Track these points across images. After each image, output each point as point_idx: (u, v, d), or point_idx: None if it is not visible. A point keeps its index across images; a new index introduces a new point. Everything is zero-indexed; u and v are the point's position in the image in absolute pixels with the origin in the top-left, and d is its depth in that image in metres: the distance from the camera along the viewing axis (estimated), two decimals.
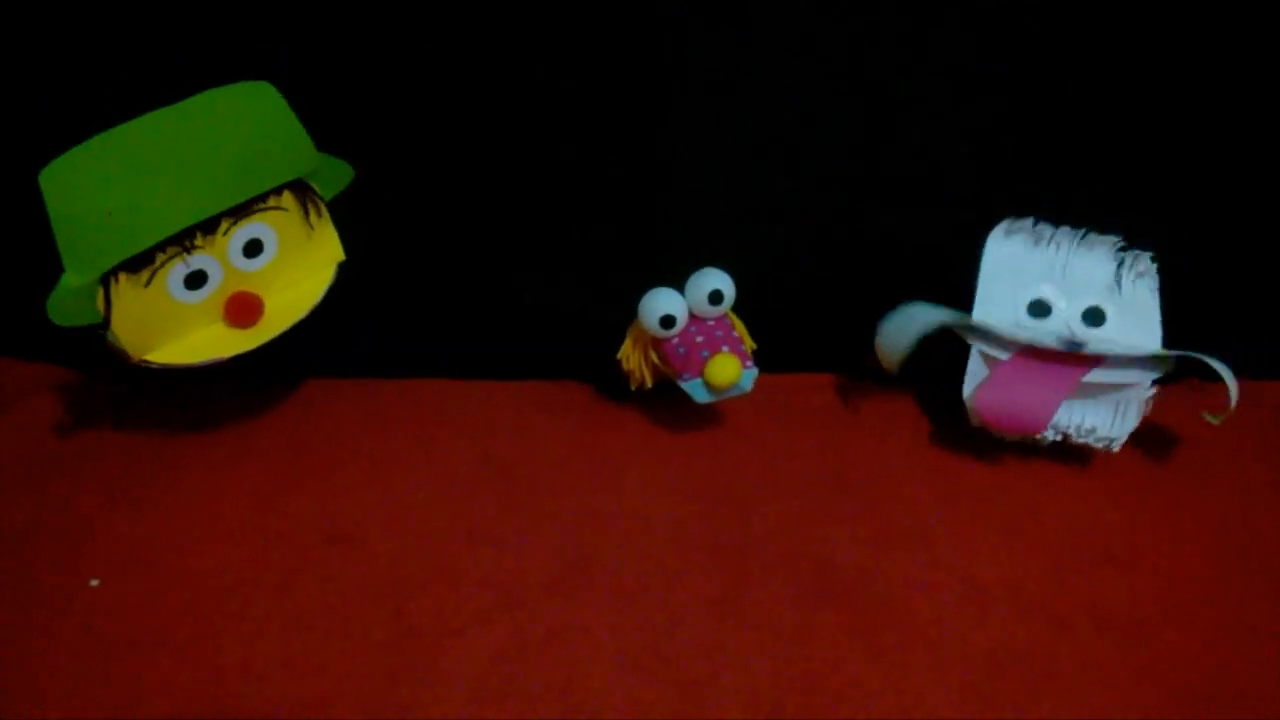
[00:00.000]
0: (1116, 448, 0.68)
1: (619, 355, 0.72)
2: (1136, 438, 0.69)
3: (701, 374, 0.67)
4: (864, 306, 0.73)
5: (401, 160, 0.72)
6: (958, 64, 0.70)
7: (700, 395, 0.68)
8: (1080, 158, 0.73)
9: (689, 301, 0.68)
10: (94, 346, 0.65)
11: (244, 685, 0.53)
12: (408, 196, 0.73)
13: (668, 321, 0.67)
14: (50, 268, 0.61)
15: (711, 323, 0.69)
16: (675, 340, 0.68)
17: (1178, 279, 0.71)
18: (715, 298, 0.68)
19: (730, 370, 0.66)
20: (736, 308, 0.71)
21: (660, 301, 0.67)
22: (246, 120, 0.64)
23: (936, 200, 0.74)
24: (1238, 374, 0.66)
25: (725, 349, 0.67)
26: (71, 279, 0.61)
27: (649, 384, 0.72)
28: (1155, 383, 0.68)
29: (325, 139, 0.68)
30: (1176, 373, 0.68)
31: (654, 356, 0.70)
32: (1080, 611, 0.58)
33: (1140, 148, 0.72)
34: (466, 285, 0.76)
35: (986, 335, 0.70)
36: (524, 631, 0.56)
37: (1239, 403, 0.65)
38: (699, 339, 0.68)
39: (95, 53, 0.69)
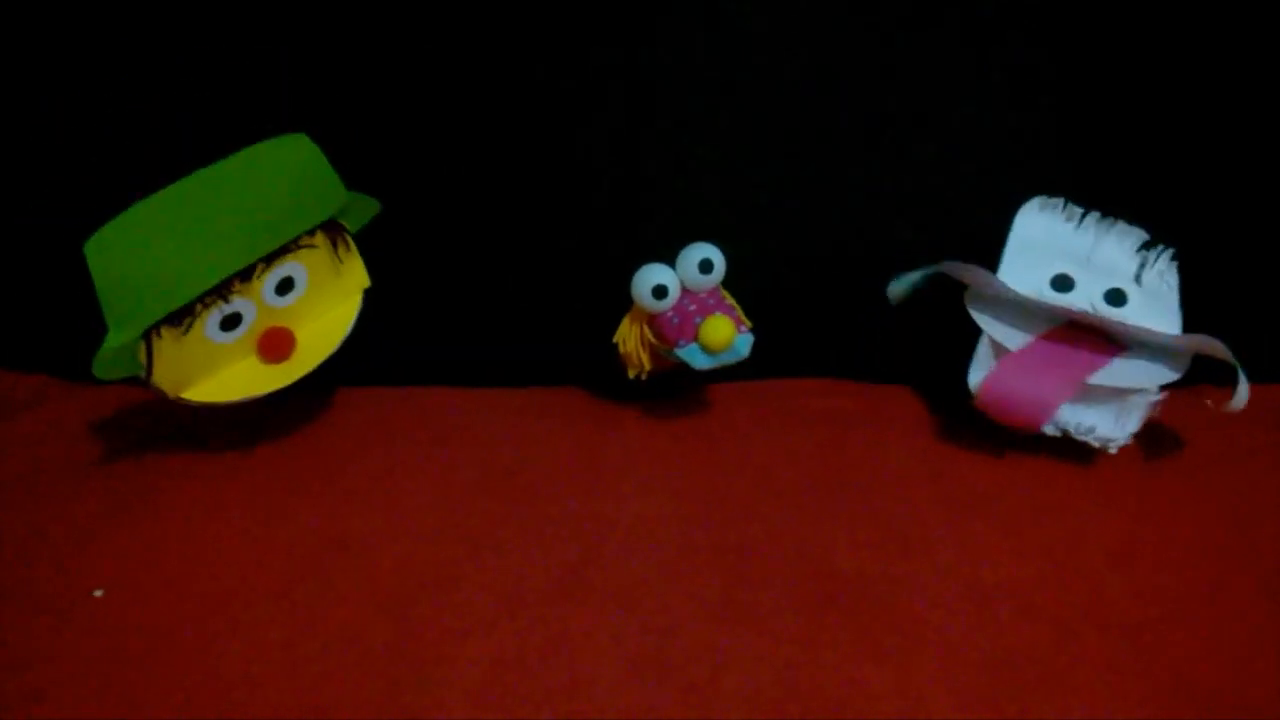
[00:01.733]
0: (1114, 449, 0.68)
1: (615, 338, 0.72)
2: (1137, 439, 0.69)
3: (696, 337, 0.67)
4: (865, 310, 0.73)
5: (399, 169, 0.72)
6: (964, 66, 0.70)
7: (698, 360, 0.68)
8: (1092, 160, 0.73)
9: (680, 275, 0.69)
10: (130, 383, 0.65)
11: (246, 693, 0.53)
12: (405, 205, 0.73)
13: (660, 291, 0.68)
14: (55, 281, 0.61)
15: (704, 294, 0.70)
16: (669, 312, 0.68)
17: (1181, 280, 0.71)
18: (705, 266, 0.69)
19: (724, 329, 0.67)
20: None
21: (651, 274, 0.68)
22: (284, 173, 0.65)
23: (939, 204, 0.74)
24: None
25: (718, 313, 0.68)
26: (115, 339, 0.62)
27: (647, 367, 0.72)
28: (1164, 388, 0.68)
29: (324, 147, 0.68)
30: (1190, 378, 0.68)
31: (649, 334, 0.70)
32: (1082, 613, 0.58)
33: (1150, 154, 0.72)
34: (467, 292, 0.76)
35: (999, 313, 0.70)
36: (526, 637, 0.56)
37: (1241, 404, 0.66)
38: (691, 308, 0.69)
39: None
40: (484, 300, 0.76)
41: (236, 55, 0.68)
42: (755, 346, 0.70)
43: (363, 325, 0.72)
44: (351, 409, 0.75)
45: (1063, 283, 0.70)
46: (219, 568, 0.61)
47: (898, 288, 0.72)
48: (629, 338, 0.72)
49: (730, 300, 0.71)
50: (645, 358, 0.72)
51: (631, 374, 0.73)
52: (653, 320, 0.70)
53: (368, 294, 0.72)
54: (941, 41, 0.69)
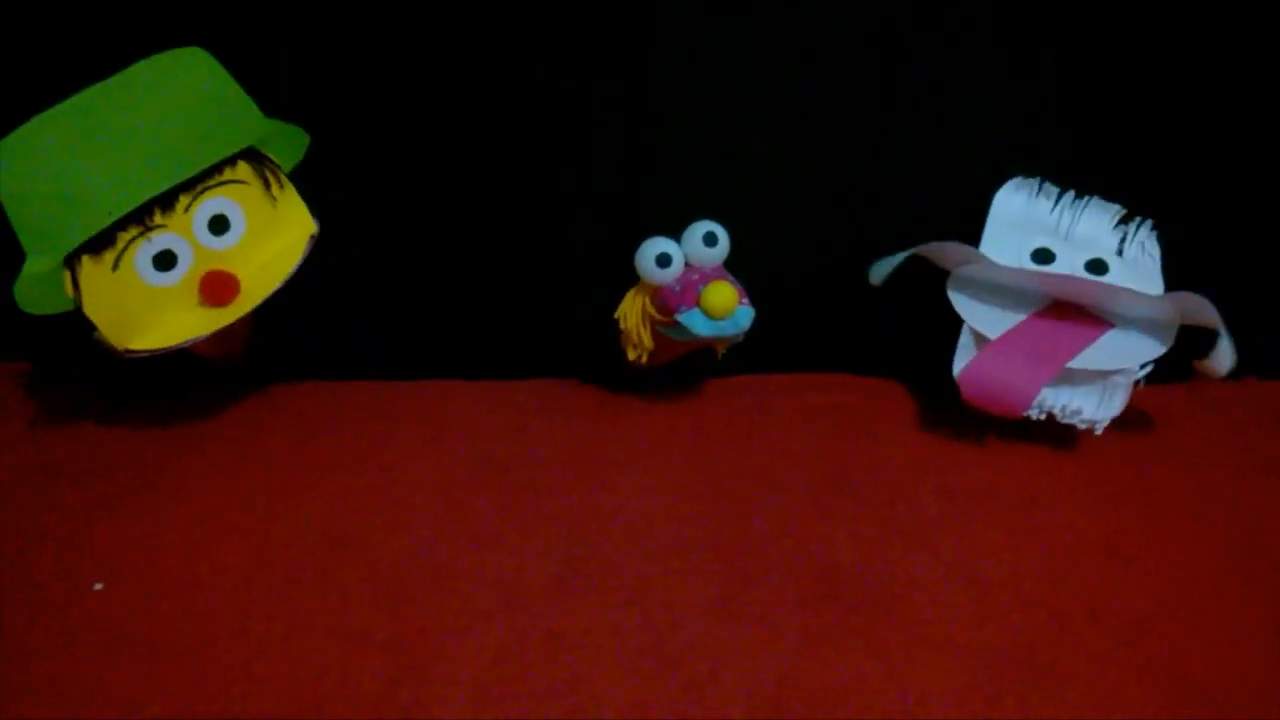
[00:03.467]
0: (1100, 430, 0.68)
1: (616, 314, 0.72)
2: (1136, 437, 0.69)
3: (698, 302, 0.67)
4: (865, 306, 0.73)
5: (399, 164, 0.72)
6: (966, 66, 0.70)
7: (698, 326, 0.67)
8: (1093, 160, 0.73)
9: (685, 249, 0.69)
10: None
11: (245, 688, 0.53)
12: (404, 197, 0.73)
13: (664, 259, 0.67)
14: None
15: (708, 268, 0.69)
16: (672, 283, 0.68)
17: (1178, 281, 0.71)
18: (710, 240, 0.68)
19: (726, 293, 0.66)
20: None
21: (656, 244, 0.68)
22: (185, 88, 0.64)
23: (937, 199, 0.74)
24: (1238, 374, 0.67)
25: (722, 279, 0.67)
26: (34, 264, 0.61)
27: (648, 346, 0.71)
28: (1143, 366, 0.68)
29: (324, 142, 0.68)
30: (1171, 372, 0.68)
31: (651, 308, 0.70)
32: (1081, 609, 0.58)
33: (1140, 145, 0.72)
34: (463, 286, 0.76)
35: (981, 297, 0.70)
36: (524, 632, 0.56)
37: (1238, 403, 0.65)
38: (694, 277, 0.68)
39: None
40: (483, 293, 0.76)
41: (236, 55, 0.68)
42: (755, 342, 0.70)
43: (359, 323, 0.72)
44: (347, 403, 0.75)
45: (1044, 256, 0.71)
46: (218, 562, 0.61)
47: (879, 271, 0.72)
48: (631, 313, 0.71)
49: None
50: (646, 335, 0.71)
51: (631, 355, 0.72)
52: (656, 292, 0.69)
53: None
54: (943, 41, 0.69)
